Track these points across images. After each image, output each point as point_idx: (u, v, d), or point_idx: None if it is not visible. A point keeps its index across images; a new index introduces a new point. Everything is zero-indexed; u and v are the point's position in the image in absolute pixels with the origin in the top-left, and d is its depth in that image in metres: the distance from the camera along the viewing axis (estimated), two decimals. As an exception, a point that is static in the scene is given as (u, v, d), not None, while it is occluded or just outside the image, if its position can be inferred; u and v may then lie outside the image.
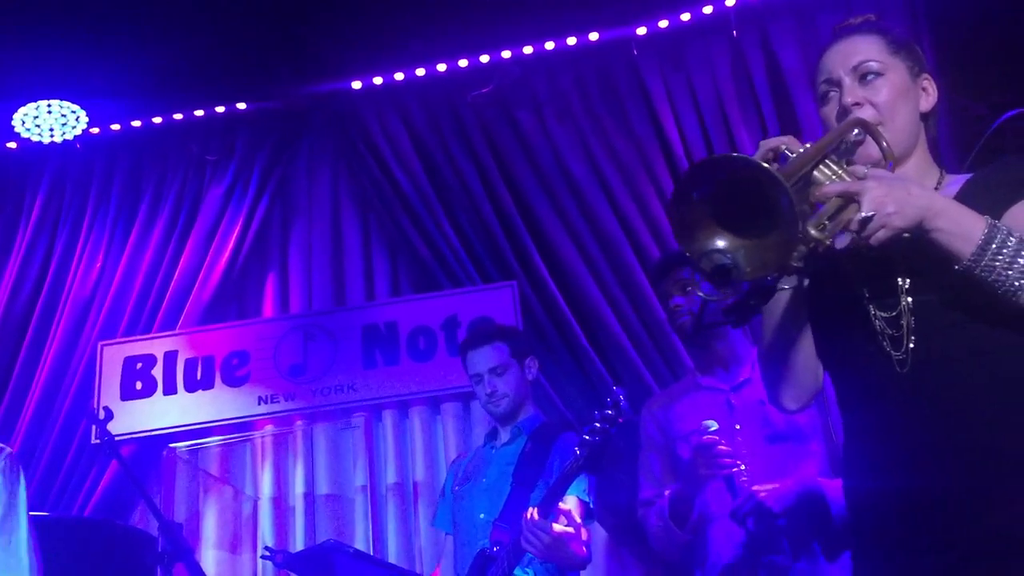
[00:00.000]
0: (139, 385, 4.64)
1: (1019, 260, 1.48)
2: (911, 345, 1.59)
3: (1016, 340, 1.54)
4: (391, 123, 4.90)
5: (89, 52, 4.43)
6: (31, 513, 2.56)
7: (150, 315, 4.82)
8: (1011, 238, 1.49)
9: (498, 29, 4.64)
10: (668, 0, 4.60)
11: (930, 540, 1.55)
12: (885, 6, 4.31)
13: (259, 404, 4.56)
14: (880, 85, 1.73)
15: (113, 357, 4.69)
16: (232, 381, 4.62)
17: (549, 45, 4.75)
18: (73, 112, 4.81)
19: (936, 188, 1.71)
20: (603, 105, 4.74)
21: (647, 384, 4.13)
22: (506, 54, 4.77)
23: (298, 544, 4.32)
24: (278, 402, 4.56)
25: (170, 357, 4.68)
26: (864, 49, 1.75)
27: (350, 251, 4.89)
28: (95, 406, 4.50)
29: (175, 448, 4.64)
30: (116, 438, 3.56)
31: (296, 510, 4.45)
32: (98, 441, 4.23)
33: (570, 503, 2.87)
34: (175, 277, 4.85)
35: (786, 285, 1.74)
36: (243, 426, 4.62)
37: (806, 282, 1.77)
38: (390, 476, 4.45)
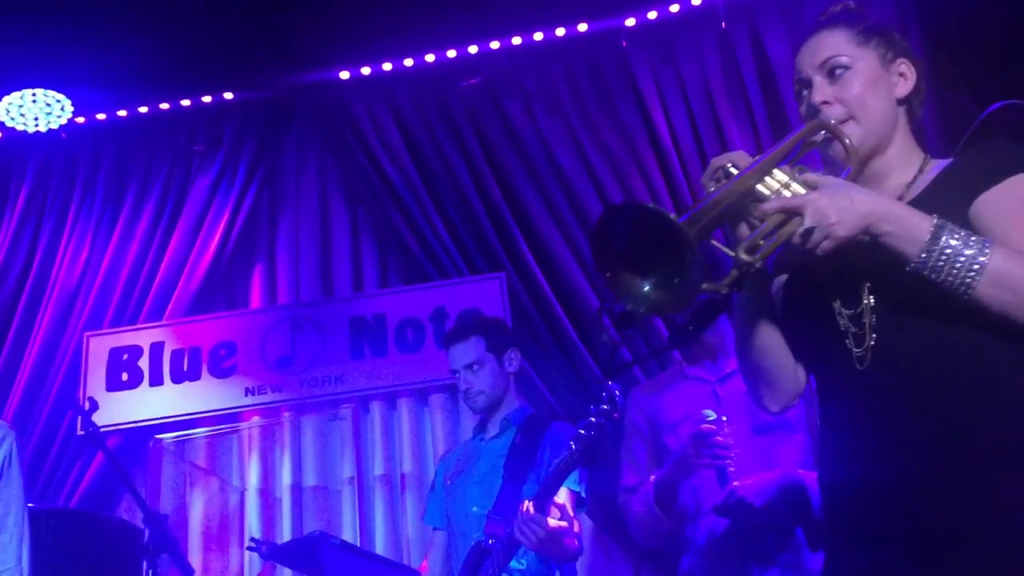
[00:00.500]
0: (125, 376, 4.62)
1: (959, 260, 1.48)
2: (871, 343, 1.61)
3: (973, 336, 1.55)
4: (379, 114, 4.88)
5: (75, 40, 4.39)
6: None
7: (136, 306, 4.79)
8: (954, 237, 1.49)
9: (487, 19, 4.63)
10: (657, -8, 4.61)
11: (888, 530, 1.57)
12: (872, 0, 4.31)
13: (246, 395, 4.55)
14: (849, 79, 1.71)
15: (99, 348, 4.66)
16: (219, 372, 4.60)
17: (538, 36, 4.73)
18: (58, 101, 4.76)
19: (919, 172, 1.72)
20: (592, 96, 4.73)
21: (634, 376, 4.13)
22: (495, 45, 4.75)
23: (285, 535, 4.32)
24: (265, 393, 4.54)
25: (156, 348, 4.66)
26: (830, 44, 1.74)
27: (338, 242, 4.87)
28: (81, 397, 4.48)
29: (161, 439, 4.63)
30: (102, 429, 3.54)
31: (283, 501, 4.44)
32: (83, 432, 4.19)
33: (563, 496, 2.87)
34: (162, 268, 4.82)
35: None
36: (230, 417, 4.61)
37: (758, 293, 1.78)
38: (377, 468, 4.44)
